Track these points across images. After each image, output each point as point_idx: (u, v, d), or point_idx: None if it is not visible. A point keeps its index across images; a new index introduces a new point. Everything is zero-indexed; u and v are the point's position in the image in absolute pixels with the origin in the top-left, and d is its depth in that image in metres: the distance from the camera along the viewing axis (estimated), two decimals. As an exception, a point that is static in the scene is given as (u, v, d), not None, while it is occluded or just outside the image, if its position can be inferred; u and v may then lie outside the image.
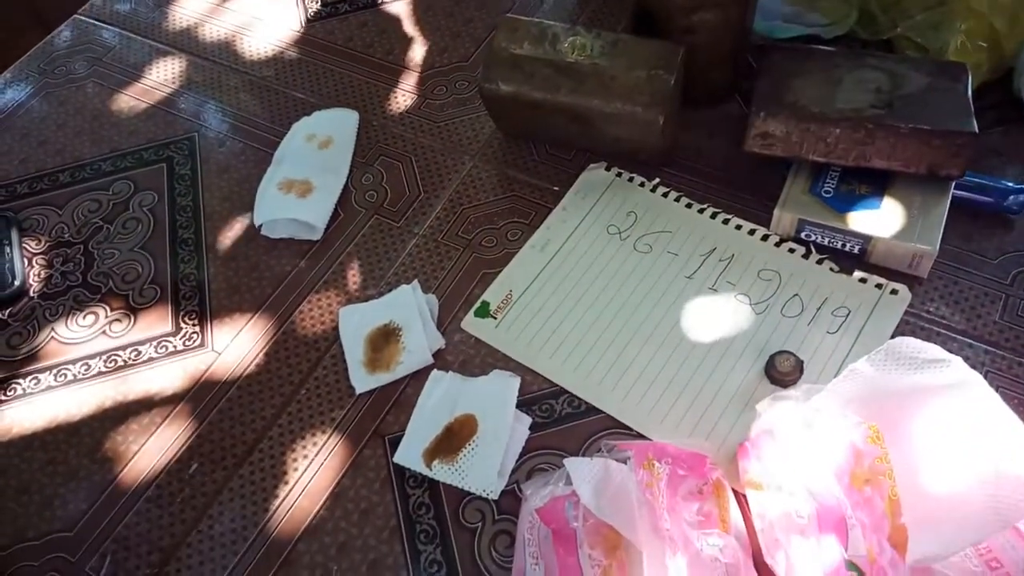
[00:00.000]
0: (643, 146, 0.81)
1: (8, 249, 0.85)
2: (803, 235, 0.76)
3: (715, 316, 0.74)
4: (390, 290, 0.78)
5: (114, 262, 0.84)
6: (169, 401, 0.75)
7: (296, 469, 0.69)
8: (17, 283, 0.82)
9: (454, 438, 0.68)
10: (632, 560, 0.56)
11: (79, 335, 0.80)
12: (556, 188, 0.85)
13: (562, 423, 0.69)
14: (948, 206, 0.73)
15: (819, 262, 0.75)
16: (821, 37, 0.91)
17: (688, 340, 0.72)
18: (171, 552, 0.66)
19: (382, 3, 1.06)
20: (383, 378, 0.73)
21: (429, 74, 0.97)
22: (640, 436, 0.68)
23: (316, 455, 0.70)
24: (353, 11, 1.06)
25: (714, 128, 0.87)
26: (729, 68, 0.87)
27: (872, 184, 0.75)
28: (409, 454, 0.68)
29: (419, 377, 0.73)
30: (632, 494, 0.55)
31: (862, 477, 0.55)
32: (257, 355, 0.76)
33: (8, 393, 0.77)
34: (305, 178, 0.86)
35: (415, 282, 0.78)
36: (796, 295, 0.74)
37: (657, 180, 0.83)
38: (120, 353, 0.78)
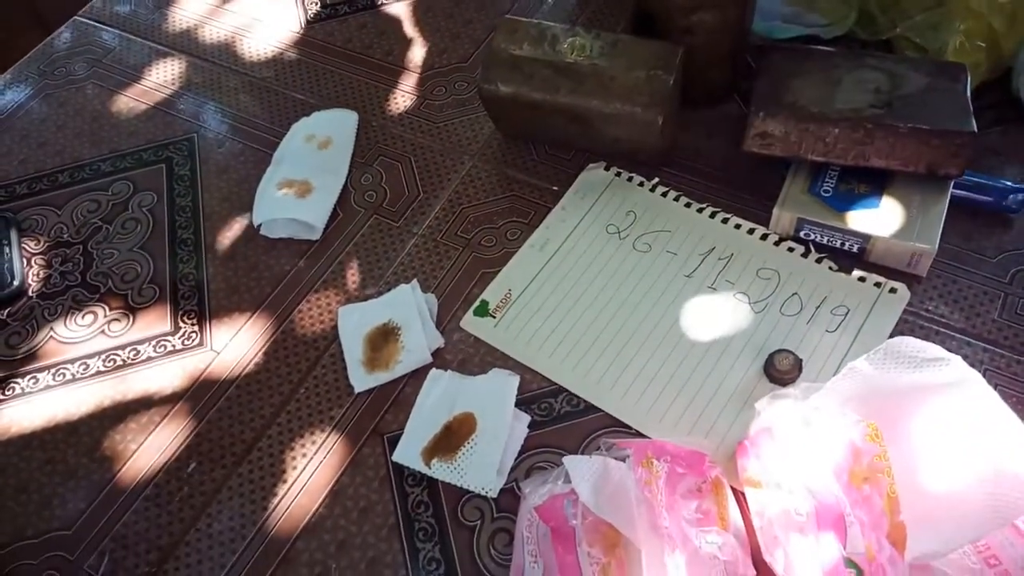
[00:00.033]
0: (642, 146, 0.81)
1: (7, 249, 0.85)
2: (802, 234, 0.76)
3: (714, 315, 0.74)
4: (389, 289, 0.78)
5: (113, 262, 0.84)
6: (168, 400, 0.75)
7: (295, 468, 0.69)
8: (16, 283, 0.82)
9: (453, 437, 0.68)
10: (631, 558, 0.56)
11: (78, 335, 0.80)
12: (555, 188, 0.85)
13: (561, 421, 0.69)
14: (947, 205, 0.73)
15: (818, 261, 0.76)
16: (820, 37, 0.91)
17: (687, 339, 0.72)
18: (170, 550, 0.66)
19: (381, 4, 1.06)
20: (382, 377, 0.73)
21: (428, 75, 0.98)
22: (639, 434, 0.68)
23: (315, 454, 0.70)
24: (353, 12, 1.06)
25: (713, 128, 0.87)
26: (728, 68, 0.87)
27: (871, 183, 0.75)
28: (408, 452, 0.68)
29: (418, 376, 0.73)
30: (631, 492, 0.55)
31: (861, 475, 0.55)
32: (256, 354, 0.76)
33: (7, 392, 0.77)
34: (304, 178, 0.86)
35: (414, 281, 0.78)
36: (795, 294, 0.74)
37: (656, 180, 0.83)
38: (119, 352, 0.78)
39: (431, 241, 0.82)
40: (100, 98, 1.00)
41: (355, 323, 0.76)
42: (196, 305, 0.80)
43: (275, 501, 0.68)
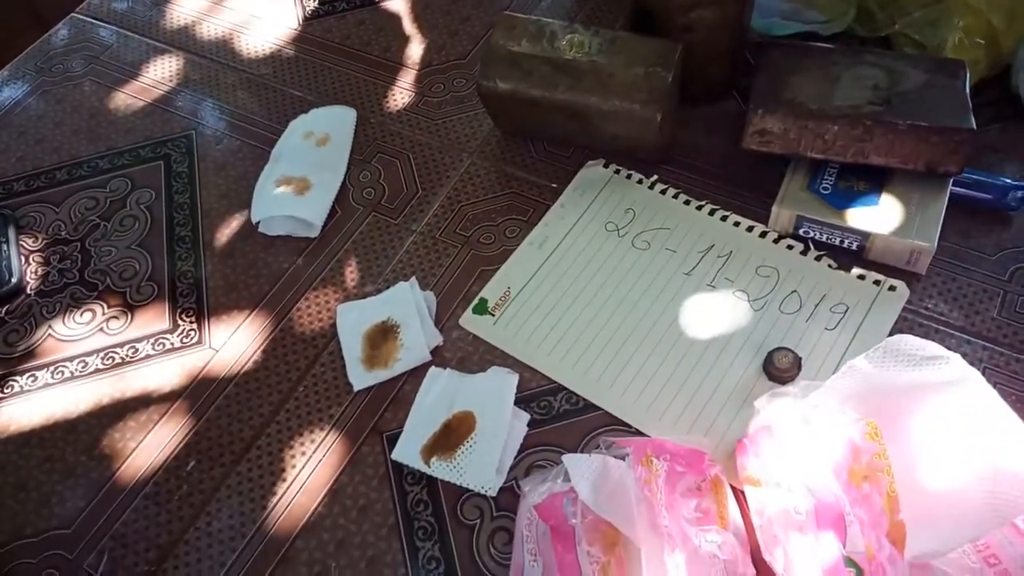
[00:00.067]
0: (641, 143, 0.81)
1: (5, 247, 0.85)
2: (801, 231, 0.76)
3: (713, 313, 0.74)
4: (388, 287, 0.78)
5: (111, 259, 0.84)
6: (167, 398, 0.74)
7: (294, 466, 0.69)
8: (14, 280, 0.82)
9: (452, 435, 0.68)
10: (630, 557, 0.56)
11: (76, 332, 0.79)
12: (554, 185, 0.84)
13: (560, 420, 0.69)
14: (946, 202, 0.73)
15: (817, 259, 0.75)
16: (819, 34, 0.91)
17: (686, 337, 0.72)
18: (169, 549, 0.66)
19: (380, 1, 1.06)
20: (381, 375, 0.73)
21: (427, 72, 0.97)
22: (638, 433, 0.68)
23: (314, 452, 0.70)
24: (351, 9, 1.06)
25: (712, 125, 0.87)
26: (727, 65, 0.87)
27: (870, 181, 0.75)
28: (407, 451, 0.68)
29: (417, 374, 0.73)
30: (630, 491, 0.55)
31: (860, 473, 0.55)
32: (255, 352, 0.76)
33: (5, 390, 0.76)
34: (303, 175, 0.86)
35: (413, 279, 0.78)
36: (794, 291, 0.74)
37: (655, 177, 0.83)
38: (117, 350, 0.78)
39: (430, 238, 0.82)
40: (98, 95, 0.99)
41: (354, 321, 0.76)
42: (194, 303, 0.80)
43: (274, 499, 0.68)
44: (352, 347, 0.75)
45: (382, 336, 0.74)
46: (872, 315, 0.72)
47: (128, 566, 0.66)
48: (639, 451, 0.61)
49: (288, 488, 0.68)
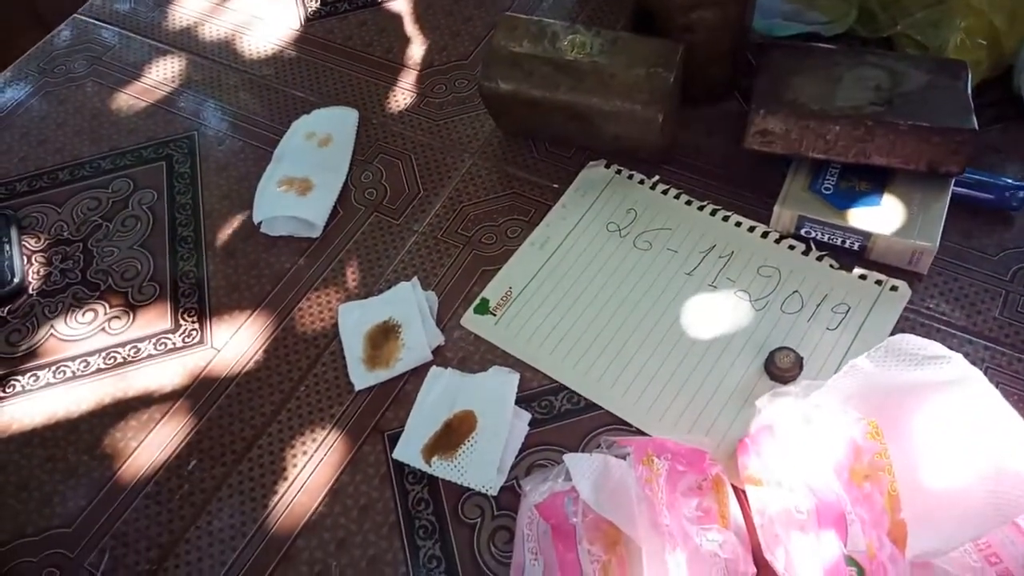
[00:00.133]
0: (643, 144, 0.81)
1: (7, 247, 0.85)
2: (803, 232, 0.76)
3: (715, 313, 0.74)
4: (389, 287, 0.78)
5: (113, 260, 0.84)
6: (168, 398, 0.74)
7: (295, 465, 0.69)
8: (16, 280, 0.82)
9: (453, 434, 0.68)
10: (631, 556, 0.56)
11: (78, 332, 0.79)
12: (556, 186, 0.85)
13: (561, 419, 0.69)
14: (948, 203, 0.73)
15: (819, 259, 0.75)
16: (821, 35, 0.91)
17: (688, 337, 0.72)
18: (170, 548, 0.66)
19: (381, 2, 1.06)
20: (382, 375, 0.73)
21: (428, 72, 0.98)
22: (639, 432, 0.68)
23: (315, 451, 0.70)
24: (352, 10, 1.06)
25: (713, 126, 0.87)
26: (728, 66, 0.87)
27: (872, 181, 0.75)
28: (408, 450, 0.68)
29: (418, 374, 0.73)
30: (631, 490, 0.55)
31: (861, 473, 0.55)
32: (256, 352, 0.76)
33: (7, 390, 0.77)
34: (305, 176, 0.86)
35: (414, 279, 0.78)
36: (796, 292, 0.74)
37: (657, 177, 0.83)
38: (119, 350, 0.78)
39: (431, 239, 0.82)
40: (100, 96, 1.00)
41: (355, 321, 0.76)
42: (196, 303, 0.80)
43: (275, 499, 0.68)
44: (353, 347, 0.75)
45: (383, 336, 0.75)
46: (874, 315, 0.72)
47: (129, 565, 0.66)
48: (640, 450, 0.61)
49: (289, 487, 0.68)
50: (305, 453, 0.70)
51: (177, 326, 0.79)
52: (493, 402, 0.69)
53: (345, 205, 0.86)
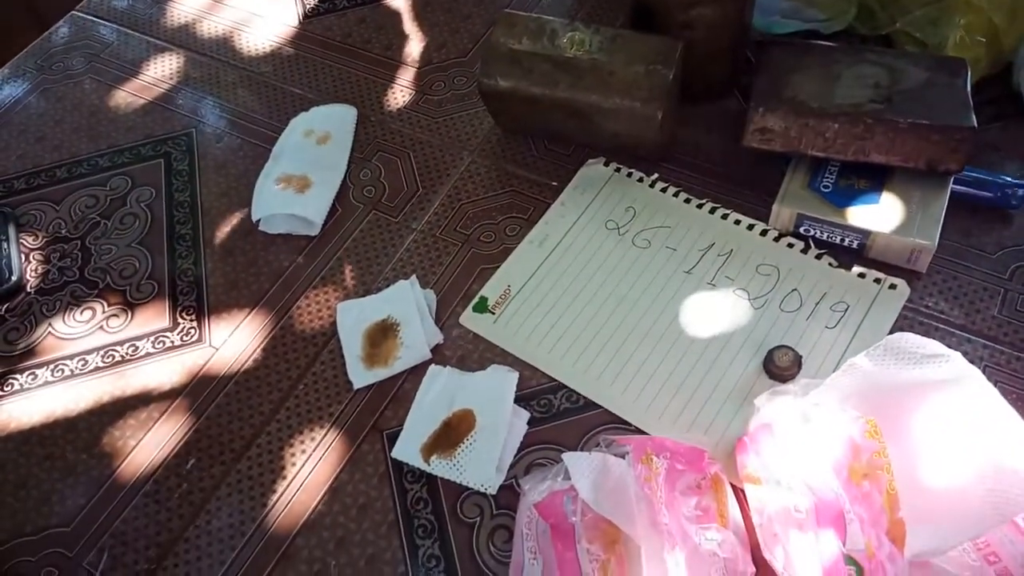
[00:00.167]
0: (642, 141, 0.81)
1: (5, 245, 0.85)
2: (802, 230, 0.76)
3: (714, 311, 0.74)
4: (388, 285, 0.78)
5: (111, 258, 0.84)
6: (167, 396, 0.74)
7: (294, 464, 0.69)
8: (14, 278, 0.82)
9: (452, 433, 0.68)
10: (630, 554, 0.56)
11: (76, 330, 0.79)
12: (555, 183, 0.84)
13: (560, 418, 0.69)
14: (947, 201, 0.73)
15: (818, 257, 0.75)
16: (820, 32, 0.91)
17: (686, 335, 0.72)
18: (168, 547, 0.66)
19: (380, -1, 1.06)
20: (381, 373, 0.73)
21: (427, 70, 0.97)
22: (638, 431, 0.68)
23: (314, 450, 0.70)
24: (351, 7, 1.06)
25: (713, 123, 0.87)
26: (727, 63, 0.87)
27: (871, 179, 0.75)
28: (407, 449, 0.68)
29: (417, 372, 0.73)
30: (630, 489, 0.55)
31: (860, 471, 0.55)
32: (255, 350, 0.76)
33: (5, 388, 0.76)
34: (303, 173, 0.86)
35: (413, 277, 0.78)
36: (795, 290, 0.74)
37: (656, 175, 0.83)
38: (117, 348, 0.78)
39: (430, 237, 0.82)
40: (98, 93, 0.99)
41: (354, 319, 0.76)
42: (195, 301, 0.80)
43: (274, 497, 0.68)
44: (352, 345, 0.74)
45: (382, 334, 0.74)
46: (872, 313, 0.72)
47: (128, 564, 0.66)
48: (639, 449, 0.61)
49: (288, 486, 0.68)
50: (304, 452, 0.70)
51: (175, 324, 0.79)
52: (492, 401, 0.69)
53: (343, 203, 0.86)
